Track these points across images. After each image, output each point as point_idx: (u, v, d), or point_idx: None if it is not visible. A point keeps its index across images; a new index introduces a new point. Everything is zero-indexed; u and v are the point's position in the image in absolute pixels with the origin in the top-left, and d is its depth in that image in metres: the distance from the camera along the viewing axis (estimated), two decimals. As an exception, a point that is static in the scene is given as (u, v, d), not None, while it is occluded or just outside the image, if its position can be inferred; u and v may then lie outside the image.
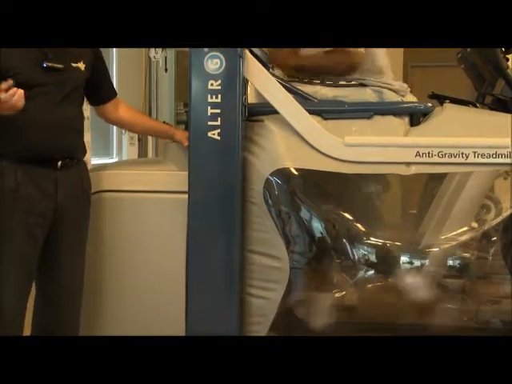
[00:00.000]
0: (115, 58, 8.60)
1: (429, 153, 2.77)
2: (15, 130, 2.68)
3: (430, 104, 3.03)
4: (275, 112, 2.83)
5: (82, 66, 2.86)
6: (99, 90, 3.03)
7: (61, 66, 2.76)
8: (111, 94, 3.11)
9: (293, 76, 3.27)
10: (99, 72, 3.02)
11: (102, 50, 3.10)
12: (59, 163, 2.78)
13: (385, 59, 3.29)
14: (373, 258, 2.88)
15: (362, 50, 3.14)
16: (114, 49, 8.68)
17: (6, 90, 2.47)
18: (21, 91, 2.50)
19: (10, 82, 2.49)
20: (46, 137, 2.73)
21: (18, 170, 2.70)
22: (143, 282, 2.99)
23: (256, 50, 2.98)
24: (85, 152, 2.99)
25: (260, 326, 2.82)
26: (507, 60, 4.03)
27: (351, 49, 3.12)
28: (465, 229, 2.91)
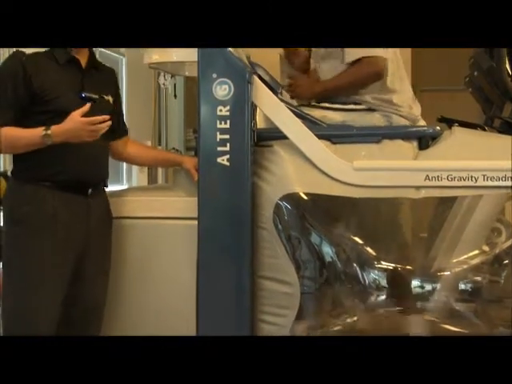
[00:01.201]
0: (125, 84, 8.68)
1: (438, 176, 2.75)
2: (54, 157, 2.75)
3: (438, 128, 3.01)
4: (284, 137, 2.81)
5: (111, 99, 2.96)
6: (115, 125, 3.01)
7: (96, 97, 2.85)
8: (124, 132, 3.15)
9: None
10: (118, 108, 3.09)
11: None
12: (90, 190, 2.85)
13: (396, 80, 3.26)
14: (384, 282, 2.84)
15: (383, 55, 3.11)
16: (124, 75, 8.75)
17: (93, 124, 2.62)
18: (109, 123, 2.65)
19: (87, 106, 2.64)
20: (81, 163, 2.81)
21: (55, 196, 2.76)
22: (154, 307, 2.97)
23: (264, 75, 2.97)
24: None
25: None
26: None
27: (373, 55, 3.09)
28: (476, 252, 2.88)
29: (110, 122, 2.65)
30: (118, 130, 3.08)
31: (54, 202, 2.75)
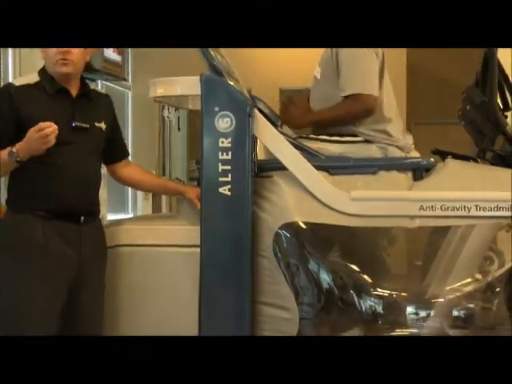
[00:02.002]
0: (130, 117, 8.70)
1: (432, 206, 2.77)
2: (43, 185, 2.74)
3: (432, 159, 3.03)
4: (284, 168, 2.83)
5: (103, 125, 2.91)
6: (114, 149, 3.05)
7: (87, 125, 2.82)
8: (124, 154, 3.14)
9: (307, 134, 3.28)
10: (116, 132, 3.06)
11: (117, 106, 3.12)
12: (82, 218, 2.80)
13: (392, 109, 3.29)
14: (380, 308, 2.84)
15: (375, 94, 3.13)
16: (130, 108, 8.77)
17: (39, 131, 2.57)
18: (55, 127, 2.59)
19: (45, 124, 2.58)
20: (72, 192, 2.77)
21: (45, 225, 2.73)
22: (156, 332, 2.94)
23: (264, 109, 3.00)
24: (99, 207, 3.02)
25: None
26: (506, 117, 4.07)
27: (366, 93, 3.11)
28: (469, 280, 2.87)
29: (55, 126, 2.59)
30: (117, 153, 3.08)
31: (44, 231, 2.72)
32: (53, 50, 2.76)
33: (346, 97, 3.15)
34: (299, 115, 3.36)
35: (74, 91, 2.85)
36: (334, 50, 3.20)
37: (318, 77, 3.36)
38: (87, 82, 3.00)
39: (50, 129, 2.59)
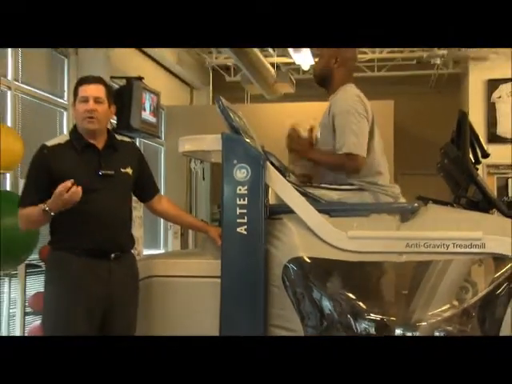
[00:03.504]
0: (163, 168, 8.85)
1: (416, 244, 2.76)
2: (76, 228, 2.73)
3: (416, 204, 3.01)
4: (291, 211, 2.82)
5: (129, 170, 2.87)
6: (145, 188, 3.02)
7: (112, 172, 2.80)
8: (155, 192, 3.09)
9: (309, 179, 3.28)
10: (144, 174, 3.01)
11: (152, 160, 3.12)
12: (112, 255, 2.78)
13: (381, 164, 3.27)
14: (372, 330, 2.80)
15: (363, 155, 3.12)
16: (163, 161, 8.92)
17: (67, 190, 2.56)
18: (79, 189, 2.57)
19: (69, 183, 2.56)
20: (101, 234, 2.75)
21: (79, 261, 2.71)
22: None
23: (275, 161, 3.00)
24: (133, 243, 2.96)
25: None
26: (477, 169, 4.08)
27: (357, 153, 3.09)
28: (448, 306, 2.83)
29: (79, 189, 2.57)
30: (148, 191, 3.04)
31: (78, 267, 2.71)
32: (81, 109, 2.77)
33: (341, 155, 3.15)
34: (303, 147, 3.31)
35: (100, 144, 2.83)
36: (331, 115, 3.22)
37: (319, 136, 3.37)
38: (114, 134, 2.97)
39: (74, 189, 2.58)
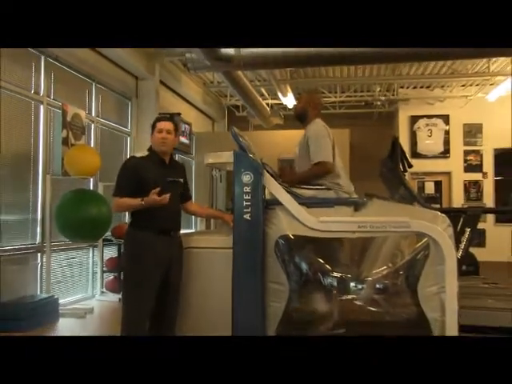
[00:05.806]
0: (194, 175, 8.91)
1: (364, 225, 2.70)
2: (152, 214, 2.73)
3: (365, 199, 3.00)
4: (280, 203, 2.79)
5: (181, 180, 2.95)
6: (185, 194, 3.05)
7: (175, 179, 2.88)
8: (190, 197, 3.13)
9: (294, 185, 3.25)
10: (186, 184, 3.06)
11: (187, 169, 3.14)
12: (171, 233, 2.82)
13: (341, 172, 3.29)
14: (335, 283, 2.78)
15: (331, 161, 3.17)
16: (194, 169, 8.97)
17: (159, 195, 2.64)
18: (167, 196, 2.66)
19: (158, 189, 2.65)
20: (167, 219, 2.80)
21: (152, 237, 2.74)
22: (211, 306, 2.87)
23: (270, 170, 2.97)
24: (180, 225, 2.99)
25: (271, 322, 2.70)
26: (405, 175, 4.11)
27: (326, 160, 3.14)
28: (385, 267, 2.81)
29: (167, 196, 2.63)
30: (187, 196, 3.05)
31: (152, 241, 2.72)
32: (158, 136, 2.83)
33: (315, 164, 3.18)
34: (289, 175, 3.33)
35: (167, 160, 2.89)
36: (306, 138, 3.25)
37: (297, 152, 3.38)
38: (173, 155, 3.04)
39: (163, 197, 2.64)
